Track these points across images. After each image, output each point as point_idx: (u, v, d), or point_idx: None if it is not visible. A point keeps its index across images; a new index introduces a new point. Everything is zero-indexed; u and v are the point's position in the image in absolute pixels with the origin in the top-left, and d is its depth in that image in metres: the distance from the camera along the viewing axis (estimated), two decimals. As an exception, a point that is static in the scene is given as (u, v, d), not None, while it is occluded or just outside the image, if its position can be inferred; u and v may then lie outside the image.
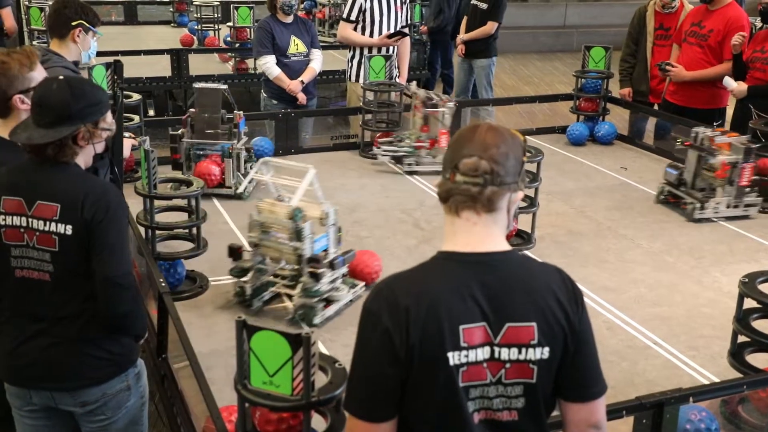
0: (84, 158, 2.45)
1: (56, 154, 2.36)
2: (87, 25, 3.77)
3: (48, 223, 2.34)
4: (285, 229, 3.26)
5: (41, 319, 2.41)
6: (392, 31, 6.00)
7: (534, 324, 1.71)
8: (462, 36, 7.75)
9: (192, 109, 4.74)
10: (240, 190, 4.52)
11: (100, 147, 2.46)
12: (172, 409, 2.81)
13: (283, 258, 3.33)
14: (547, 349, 1.72)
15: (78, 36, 3.75)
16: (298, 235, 3.23)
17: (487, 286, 1.71)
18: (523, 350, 1.71)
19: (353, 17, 5.98)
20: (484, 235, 1.75)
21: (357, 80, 6.02)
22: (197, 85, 4.74)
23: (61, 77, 2.46)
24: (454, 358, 1.68)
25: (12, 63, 2.72)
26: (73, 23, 3.73)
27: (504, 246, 1.77)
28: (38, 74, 2.84)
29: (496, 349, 1.70)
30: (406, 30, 6.20)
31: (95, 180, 2.52)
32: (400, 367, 1.67)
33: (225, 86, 4.71)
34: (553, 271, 1.81)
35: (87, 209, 2.33)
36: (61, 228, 2.34)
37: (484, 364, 1.71)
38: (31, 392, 2.48)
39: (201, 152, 4.64)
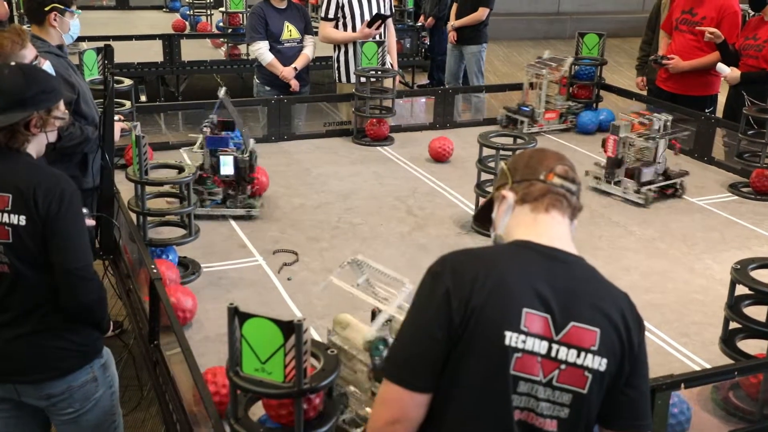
0: (36, 147, 2.38)
1: (8, 141, 2.29)
2: (61, 7, 3.68)
3: (0, 214, 2.27)
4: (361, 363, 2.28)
5: (2, 312, 2.35)
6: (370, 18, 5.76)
7: (598, 330, 1.67)
8: (453, 22, 7.71)
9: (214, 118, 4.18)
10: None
11: (52, 136, 2.40)
12: (164, 395, 2.80)
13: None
14: (605, 361, 1.67)
15: (55, 20, 3.67)
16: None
17: (558, 280, 1.68)
18: (582, 354, 1.66)
19: (331, 15, 5.84)
20: (563, 234, 1.78)
21: (348, 81, 5.95)
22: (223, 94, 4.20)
23: (13, 63, 2.40)
24: (511, 338, 1.62)
25: (4, 41, 2.69)
26: (46, 8, 3.64)
27: (576, 253, 1.80)
28: (29, 52, 2.81)
29: (555, 346, 1.65)
30: (387, 12, 5.93)
31: (47, 170, 2.42)
32: (451, 333, 1.62)
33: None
34: (622, 292, 1.79)
35: (41, 201, 2.26)
36: (14, 219, 2.27)
37: (539, 359, 1.65)
38: None
39: None
